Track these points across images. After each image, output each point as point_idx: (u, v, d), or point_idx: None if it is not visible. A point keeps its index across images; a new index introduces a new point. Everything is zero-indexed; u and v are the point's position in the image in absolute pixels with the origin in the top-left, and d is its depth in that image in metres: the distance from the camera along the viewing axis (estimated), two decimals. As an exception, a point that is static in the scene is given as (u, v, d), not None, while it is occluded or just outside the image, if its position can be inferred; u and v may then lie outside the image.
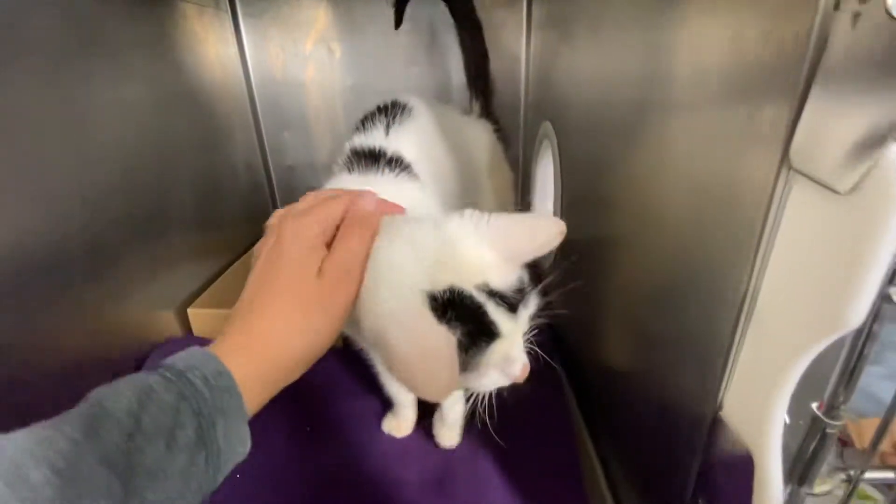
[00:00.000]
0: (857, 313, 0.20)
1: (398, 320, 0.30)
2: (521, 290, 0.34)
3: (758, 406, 0.27)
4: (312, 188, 1.30)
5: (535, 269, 0.93)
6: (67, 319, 0.63)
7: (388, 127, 0.52)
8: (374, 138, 0.50)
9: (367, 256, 0.33)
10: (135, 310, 0.75)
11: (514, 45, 1.06)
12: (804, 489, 0.32)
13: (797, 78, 0.22)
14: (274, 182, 1.19)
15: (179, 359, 0.28)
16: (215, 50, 1.00)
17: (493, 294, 0.32)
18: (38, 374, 0.58)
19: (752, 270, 0.27)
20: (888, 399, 0.28)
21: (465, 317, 0.31)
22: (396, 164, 0.48)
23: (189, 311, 0.82)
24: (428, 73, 1.10)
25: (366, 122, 0.54)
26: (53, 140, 0.62)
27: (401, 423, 0.64)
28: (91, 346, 0.67)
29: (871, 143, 0.19)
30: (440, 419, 0.60)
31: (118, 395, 0.25)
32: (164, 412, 0.25)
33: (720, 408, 0.31)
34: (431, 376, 0.29)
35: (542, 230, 0.33)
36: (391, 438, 0.63)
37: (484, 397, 0.38)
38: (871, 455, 0.32)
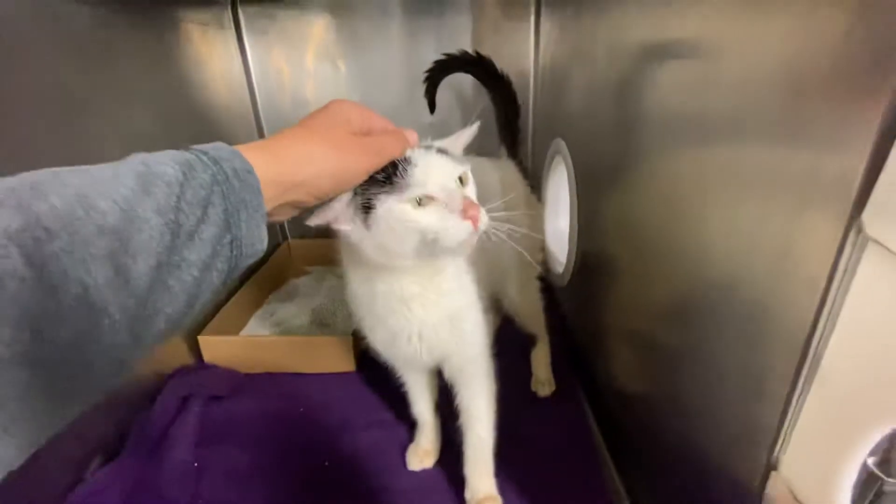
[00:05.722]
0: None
1: None
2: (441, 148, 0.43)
3: (823, 471, 0.26)
4: (318, 203, 1.29)
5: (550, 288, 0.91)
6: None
7: None
8: None
9: (390, 156, 0.40)
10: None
11: (523, 59, 1.05)
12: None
13: (872, 130, 0.21)
14: (280, 199, 1.18)
15: (211, 148, 0.31)
16: (220, 67, 0.99)
17: None
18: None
19: (814, 327, 0.25)
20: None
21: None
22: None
23: (199, 338, 0.81)
24: (434, 88, 1.09)
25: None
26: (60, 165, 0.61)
27: (424, 451, 0.63)
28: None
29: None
30: (471, 471, 0.56)
31: (163, 162, 0.28)
32: (202, 188, 0.28)
33: (775, 466, 0.30)
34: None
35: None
36: (412, 474, 0.61)
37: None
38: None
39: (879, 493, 0.28)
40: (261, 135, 1.12)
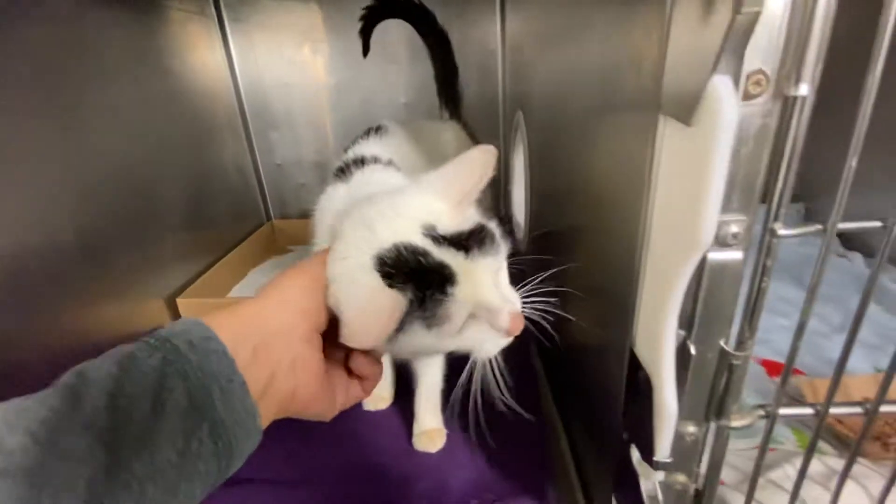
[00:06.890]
0: (707, 231, 0.23)
1: (347, 283, 0.33)
2: (478, 232, 0.34)
3: (653, 333, 0.30)
4: (300, 185, 1.34)
5: (513, 246, 0.95)
6: (64, 312, 0.67)
7: (368, 140, 0.61)
8: (359, 150, 0.58)
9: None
10: (127, 302, 0.78)
11: (491, 40, 1.10)
12: (722, 422, 0.35)
13: (664, 46, 0.26)
14: (263, 179, 1.23)
15: (164, 328, 0.28)
16: (203, 55, 1.05)
17: (439, 238, 0.33)
18: (38, 365, 0.61)
19: (645, 211, 0.30)
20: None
21: (412, 268, 0.32)
22: (378, 160, 0.54)
23: (178, 300, 0.86)
24: (407, 70, 1.14)
25: (352, 142, 0.62)
26: (47, 142, 0.66)
27: (379, 397, 0.67)
28: (87, 336, 0.70)
29: (701, 80, 0.22)
30: (421, 409, 0.61)
31: (99, 365, 0.25)
32: (146, 375, 0.24)
33: (633, 343, 0.34)
34: (366, 329, 0.32)
35: (478, 161, 0.36)
36: (367, 413, 0.66)
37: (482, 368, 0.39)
38: (783, 390, 0.35)
39: (732, 368, 0.32)
40: (243, 120, 1.17)
